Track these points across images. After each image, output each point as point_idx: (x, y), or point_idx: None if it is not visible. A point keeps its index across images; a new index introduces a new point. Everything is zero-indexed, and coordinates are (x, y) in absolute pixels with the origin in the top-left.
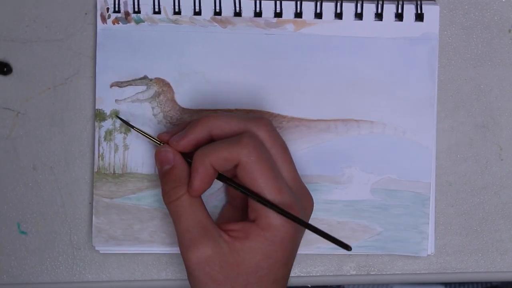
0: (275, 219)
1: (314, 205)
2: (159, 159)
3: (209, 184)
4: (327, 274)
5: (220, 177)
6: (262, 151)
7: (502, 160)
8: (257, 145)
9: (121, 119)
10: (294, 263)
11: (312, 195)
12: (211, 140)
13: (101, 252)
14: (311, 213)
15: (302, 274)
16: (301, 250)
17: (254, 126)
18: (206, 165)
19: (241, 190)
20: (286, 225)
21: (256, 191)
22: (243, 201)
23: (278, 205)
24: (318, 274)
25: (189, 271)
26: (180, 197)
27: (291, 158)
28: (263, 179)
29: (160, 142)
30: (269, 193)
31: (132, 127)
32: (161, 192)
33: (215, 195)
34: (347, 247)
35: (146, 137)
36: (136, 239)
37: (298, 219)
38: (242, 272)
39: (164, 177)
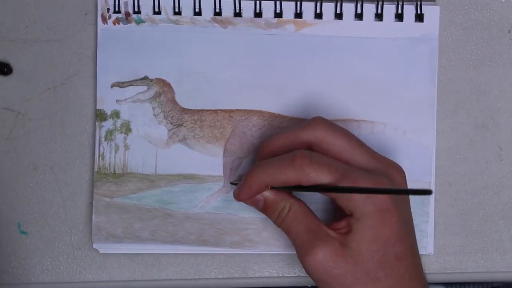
0: (364, 204)
1: (315, 204)
2: (250, 204)
3: (258, 193)
4: None
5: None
6: (317, 162)
7: (502, 160)
8: (310, 161)
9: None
10: (294, 263)
11: (314, 195)
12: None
13: (100, 251)
14: (405, 181)
15: (302, 274)
16: None
17: (307, 131)
18: (261, 185)
19: (312, 191)
20: (377, 204)
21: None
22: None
23: (340, 186)
24: None
25: (309, 274)
26: (285, 217)
27: (359, 141)
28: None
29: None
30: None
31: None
32: (272, 220)
33: (216, 195)
34: (426, 192)
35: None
36: (136, 237)
37: (364, 189)
38: (359, 262)
39: (265, 211)
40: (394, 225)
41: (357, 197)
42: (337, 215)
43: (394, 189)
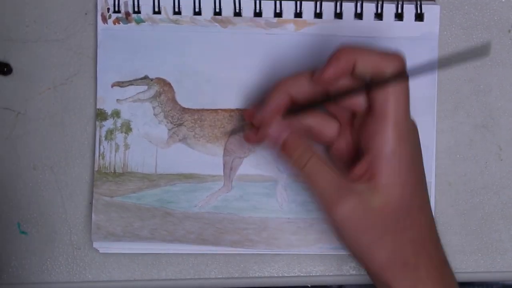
0: (387, 143)
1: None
2: (267, 143)
3: (342, 74)
4: (327, 274)
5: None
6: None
7: (501, 160)
8: (354, 45)
9: None
10: (294, 263)
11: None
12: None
13: (100, 250)
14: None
15: (302, 274)
16: (302, 250)
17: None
18: (348, 62)
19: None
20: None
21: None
22: (348, 145)
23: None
24: (318, 274)
25: (337, 229)
26: (307, 161)
27: None
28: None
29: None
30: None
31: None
32: (288, 163)
33: (216, 195)
34: (485, 50)
35: (236, 131)
36: (136, 236)
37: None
38: (388, 210)
39: (283, 151)
40: (420, 173)
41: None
42: (348, 160)
43: (452, 55)
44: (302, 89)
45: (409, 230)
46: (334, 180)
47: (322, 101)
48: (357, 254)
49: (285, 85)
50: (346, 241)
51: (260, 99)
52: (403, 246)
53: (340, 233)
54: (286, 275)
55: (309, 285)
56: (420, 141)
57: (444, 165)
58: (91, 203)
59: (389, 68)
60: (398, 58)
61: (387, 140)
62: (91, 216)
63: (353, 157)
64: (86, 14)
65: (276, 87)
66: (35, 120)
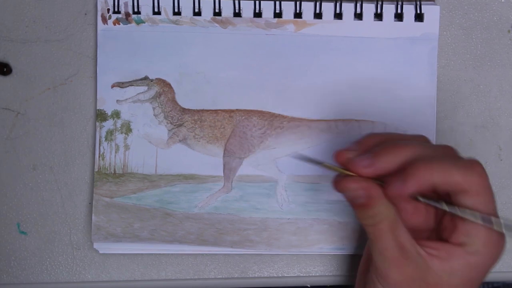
0: (484, 246)
1: (316, 205)
2: (351, 194)
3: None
4: (327, 274)
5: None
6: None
7: (501, 160)
8: (486, 175)
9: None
10: (294, 263)
11: (314, 196)
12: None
13: (100, 251)
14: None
15: (302, 274)
16: (301, 250)
17: (465, 174)
18: (425, 185)
19: (458, 213)
20: (493, 251)
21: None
22: (433, 220)
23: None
24: (318, 274)
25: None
26: (378, 223)
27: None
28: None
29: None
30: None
31: (320, 163)
32: (356, 215)
33: (216, 196)
34: None
35: (332, 169)
36: (136, 236)
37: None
38: None
39: (358, 208)
40: (486, 275)
41: (483, 234)
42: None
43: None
44: (446, 181)
45: None
46: (400, 245)
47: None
48: None
49: (429, 169)
50: None
51: (357, 145)
52: None
53: None
54: (286, 275)
55: (309, 285)
56: None
57: None
58: (90, 203)
59: (471, 186)
60: (477, 170)
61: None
62: (91, 216)
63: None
64: (86, 14)
65: (397, 149)
66: (35, 120)
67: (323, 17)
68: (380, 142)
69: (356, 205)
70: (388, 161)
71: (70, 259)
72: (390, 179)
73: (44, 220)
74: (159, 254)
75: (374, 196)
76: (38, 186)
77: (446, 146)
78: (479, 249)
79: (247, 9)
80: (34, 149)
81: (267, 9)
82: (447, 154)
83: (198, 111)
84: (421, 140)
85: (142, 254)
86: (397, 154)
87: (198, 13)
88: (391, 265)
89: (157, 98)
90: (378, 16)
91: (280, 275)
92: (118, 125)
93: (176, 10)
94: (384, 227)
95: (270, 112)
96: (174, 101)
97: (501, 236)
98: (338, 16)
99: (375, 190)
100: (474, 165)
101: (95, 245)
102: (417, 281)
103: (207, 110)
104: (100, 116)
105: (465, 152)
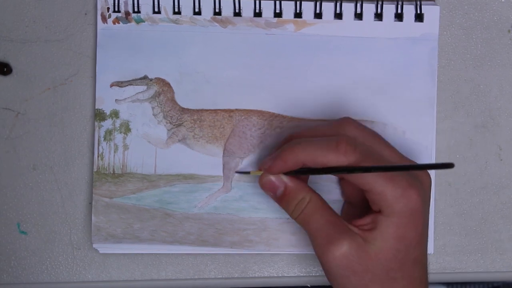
0: (397, 203)
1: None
2: (267, 188)
3: (290, 170)
4: None
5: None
6: (363, 151)
7: (501, 160)
8: (356, 148)
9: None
10: (294, 263)
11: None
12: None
13: (100, 251)
14: (431, 185)
15: (302, 274)
16: (301, 250)
17: (341, 129)
18: (297, 161)
19: (344, 171)
20: (409, 204)
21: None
22: (360, 197)
23: (374, 166)
24: (318, 274)
25: (328, 269)
26: (303, 209)
27: (388, 142)
28: (370, 177)
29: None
30: (382, 185)
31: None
32: (286, 211)
33: (215, 196)
34: (448, 165)
35: (243, 173)
36: (136, 237)
37: (391, 167)
38: (381, 260)
39: (282, 200)
40: (420, 227)
41: (390, 194)
42: (359, 212)
43: (421, 164)
44: (317, 160)
45: (399, 282)
46: (330, 223)
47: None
48: None
49: (298, 151)
50: (334, 284)
51: (275, 149)
52: None
53: (329, 275)
54: (286, 275)
55: (309, 285)
56: (422, 143)
57: None
58: (90, 203)
59: (332, 160)
60: (337, 148)
61: (391, 203)
62: (91, 216)
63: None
64: (86, 14)
65: (289, 149)
66: (35, 120)
67: (323, 17)
68: (287, 141)
69: (279, 198)
70: (285, 160)
71: (70, 259)
72: (263, 161)
73: (44, 220)
74: (159, 254)
75: (289, 187)
76: (38, 186)
77: (334, 125)
78: (394, 207)
79: (247, 9)
80: (34, 149)
81: (267, 8)
82: (325, 134)
83: (197, 110)
84: (347, 122)
85: (142, 254)
86: (292, 152)
87: (198, 13)
88: (327, 244)
89: (156, 98)
90: (378, 16)
91: (280, 275)
92: (117, 124)
93: (176, 9)
94: (309, 212)
95: (269, 112)
96: (173, 100)
97: (406, 184)
98: (338, 16)
99: (284, 181)
100: (339, 144)
101: (95, 246)
102: (355, 253)
103: (207, 110)
104: (99, 115)
105: (465, 152)
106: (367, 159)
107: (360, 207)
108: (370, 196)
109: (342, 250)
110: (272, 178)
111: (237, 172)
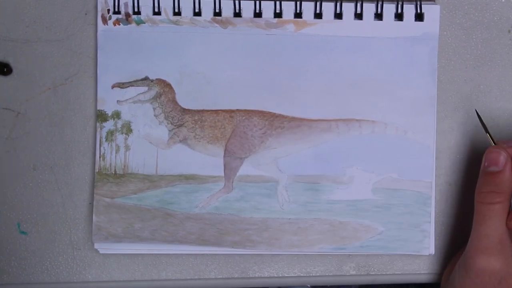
0: None
1: (316, 205)
2: (488, 158)
3: None
4: (327, 274)
5: None
6: None
7: None
8: None
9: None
10: (294, 263)
11: (315, 196)
12: None
13: (101, 251)
14: None
15: (302, 274)
16: (301, 250)
17: None
18: None
19: None
20: None
21: None
22: None
23: None
24: (318, 274)
25: (469, 273)
26: (495, 203)
27: None
28: None
29: (493, 141)
30: None
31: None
32: (477, 188)
33: (216, 196)
34: None
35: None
36: (136, 237)
37: None
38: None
39: (485, 176)
40: None
41: None
42: None
43: None
44: None
45: None
46: (500, 236)
47: None
48: None
49: None
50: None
51: None
52: None
53: (465, 277)
54: (286, 275)
55: (309, 285)
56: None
57: (444, 166)
58: (91, 203)
59: None
60: None
61: None
62: (91, 216)
63: None
64: (86, 14)
65: None
66: (35, 120)
67: (323, 17)
68: None
69: (485, 172)
70: None
71: (70, 259)
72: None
73: (45, 220)
74: (159, 254)
75: (508, 168)
76: (39, 186)
77: None
78: None
79: (247, 9)
80: (34, 149)
81: (267, 9)
82: None
83: (198, 111)
84: None
85: (142, 254)
86: None
87: (198, 13)
88: (484, 253)
89: (158, 99)
90: (378, 16)
91: (280, 275)
92: (119, 125)
93: (176, 10)
94: (497, 210)
95: (270, 112)
96: (174, 101)
97: None
98: (338, 16)
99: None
100: None
101: (96, 246)
102: (500, 276)
103: (208, 110)
104: (101, 116)
105: (465, 152)
106: None
107: None
108: None
109: (491, 266)
110: (503, 154)
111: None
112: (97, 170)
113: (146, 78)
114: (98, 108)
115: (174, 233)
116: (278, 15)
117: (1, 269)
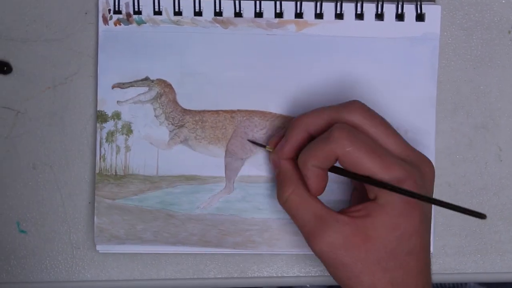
0: (391, 194)
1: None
2: (272, 165)
3: (325, 180)
4: (327, 274)
5: (331, 169)
6: (356, 138)
7: (501, 161)
8: (348, 134)
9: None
10: (293, 263)
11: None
12: (312, 138)
13: (101, 252)
14: (434, 178)
15: (302, 274)
16: (301, 250)
17: (346, 112)
18: (312, 168)
19: (349, 176)
20: (403, 197)
21: (365, 174)
22: (363, 185)
23: (388, 183)
24: (318, 274)
25: (319, 259)
26: (288, 196)
27: (394, 130)
28: (366, 164)
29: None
30: (377, 173)
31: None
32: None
33: (218, 196)
34: (481, 215)
35: (259, 145)
36: (139, 238)
37: (408, 192)
38: (371, 250)
39: (276, 180)
40: (416, 219)
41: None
42: (353, 200)
43: (448, 203)
44: (320, 128)
45: (393, 271)
46: (317, 212)
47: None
48: (340, 284)
49: (301, 123)
50: (328, 271)
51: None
52: (382, 286)
53: (323, 263)
54: (285, 275)
55: (309, 285)
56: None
57: (443, 166)
58: (90, 202)
59: (325, 148)
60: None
61: (385, 191)
62: (91, 215)
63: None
64: (86, 13)
65: (294, 125)
66: (35, 119)
67: (324, 17)
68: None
69: (275, 177)
70: (294, 137)
71: (70, 258)
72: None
73: (44, 219)
74: (159, 253)
75: (282, 165)
76: (38, 185)
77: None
78: (388, 198)
79: (248, 9)
80: (34, 148)
81: (268, 9)
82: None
83: (199, 111)
84: (355, 105)
85: (141, 253)
86: (299, 128)
87: (199, 13)
88: (312, 237)
89: (158, 99)
90: (379, 16)
91: (280, 275)
92: (119, 126)
93: (177, 10)
94: (294, 200)
95: (271, 113)
96: (175, 101)
97: (403, 174)
98: (339, 16)
99: (285, 162)
100: (331, 133)
101: (99, 247)
102: (341, 245)
103: (209, 111)
104: (101, 117)
105: (465, 152)
106: (359, 149)
107: (365, 195)
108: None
109: (326, 243)
110: (275, 157)
111: (252, 142)
112: (98, 171)
113: (146, 79)
114: (98, 109)
115: (176, 235)
116: (279, 15)
117: (0, 268)
